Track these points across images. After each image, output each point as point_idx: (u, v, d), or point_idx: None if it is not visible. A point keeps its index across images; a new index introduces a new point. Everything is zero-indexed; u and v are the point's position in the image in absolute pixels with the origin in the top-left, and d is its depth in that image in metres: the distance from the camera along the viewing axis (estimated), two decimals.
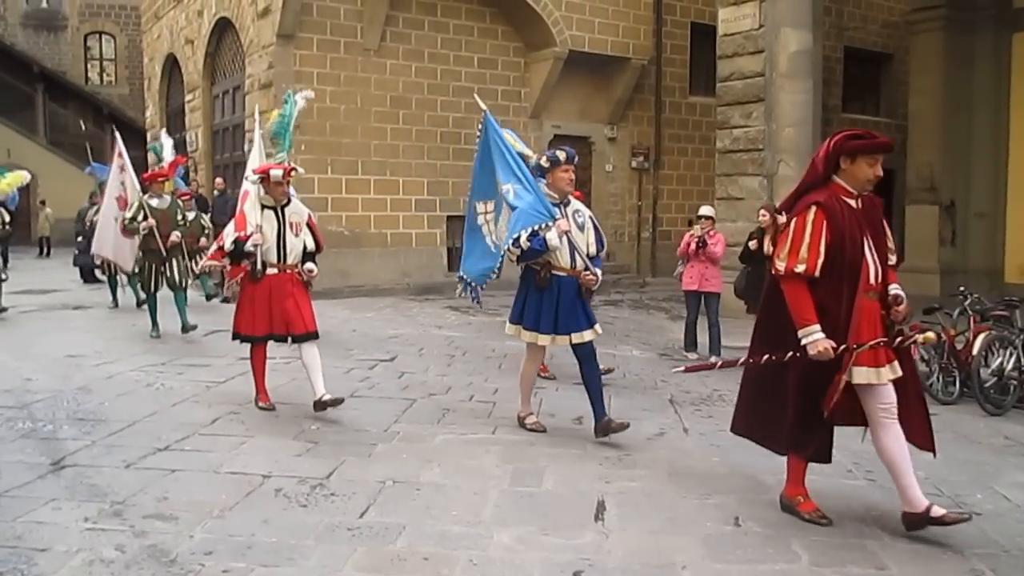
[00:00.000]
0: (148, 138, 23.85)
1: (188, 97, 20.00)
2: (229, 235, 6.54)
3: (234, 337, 6.83)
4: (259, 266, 6.56)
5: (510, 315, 6.31)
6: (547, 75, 17.37)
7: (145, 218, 10.04)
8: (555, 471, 5.39)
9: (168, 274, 10.37)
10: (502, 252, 6.04)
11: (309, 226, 6.83)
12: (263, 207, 6.61)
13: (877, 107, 21.08)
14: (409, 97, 16.27)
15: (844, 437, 6.34)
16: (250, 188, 6.72)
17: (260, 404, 6.82)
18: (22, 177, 12.57)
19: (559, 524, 4.48)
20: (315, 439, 6.01)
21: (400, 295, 15.38)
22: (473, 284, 6.70)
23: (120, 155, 11.35)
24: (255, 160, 6.84)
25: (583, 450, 5.93)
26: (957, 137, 16.20)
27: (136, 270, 12.25)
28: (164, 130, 12.68)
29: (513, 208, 5.99)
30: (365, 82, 15.87)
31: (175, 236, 10.31)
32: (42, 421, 6.32)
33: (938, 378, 7.93)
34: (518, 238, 5.80)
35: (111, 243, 11.23)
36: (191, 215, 11.26)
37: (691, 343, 9.87)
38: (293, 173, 6.63)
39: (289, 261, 6.65)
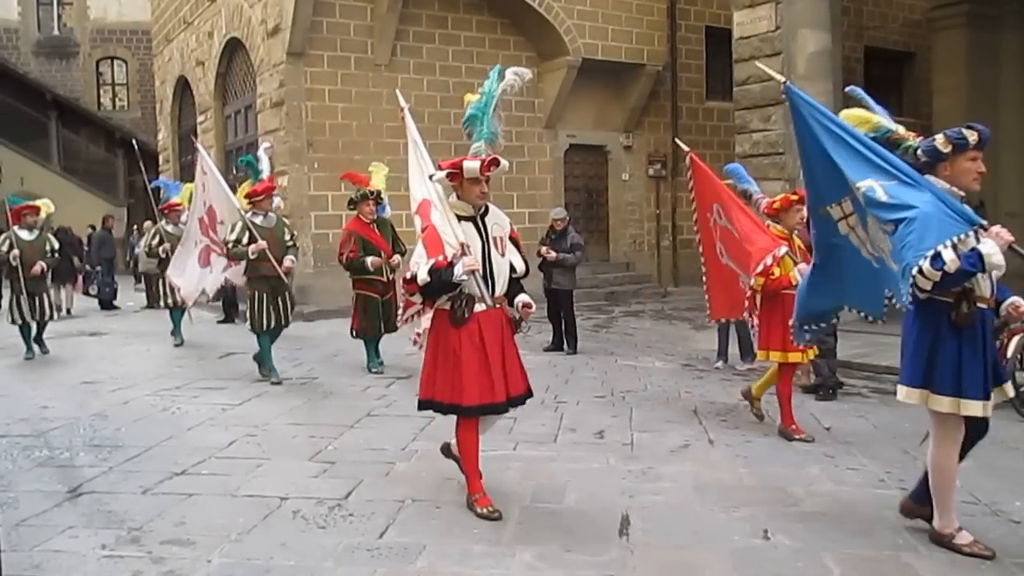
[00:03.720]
0: (160, 160, 24.03)
1: (200, 118, 20.11)
2: (420, 262, 4.64)
3: (425, 406, 4.93)
4: (466, 302, 4.74)
5: (905, 375, 4.31)
6: (561, 84, 17.33)
7: (252, 240, 8.52)
8: (577, 487, 5.29)
9: (280, 310, 8.81)
10: (912, 272, 3.86)
11: (513, 241, 5.03)
12: (458, 218, 4.83)
13: (900, 106, 20.87)
14: (421, 111, 16.19)
15: (872, 444, 6.22)
16: (430, 193, 4.91)
17: (479, 509, 4.79)
18: (49, 206, 11.54)
19: (582, 540, 4.40)
20: (332, 459, 5.94)
21: None
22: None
23: (204, 171, 9.77)
24: (424, 161, 5.20)
25: (605, 464, 5.82)
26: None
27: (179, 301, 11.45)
28: (265, 142, 11.29)
29: (890, 219, 4.01)
30: (376, 97, 15.87)
31: (289, 261, 8.82)
32: (59, 449, 6.28)
33: None
34: (937, 255, 3.81)
35: (185, 270, 10.07)
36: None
37: (720, 352, 9.78)
38: (494, 167, 4.79)
39: (497, 291, 4.88)
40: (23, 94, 29.00)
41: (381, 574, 4.01)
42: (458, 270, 4.55)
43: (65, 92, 30.87)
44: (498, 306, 4.86)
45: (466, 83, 16.66)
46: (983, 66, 15.96)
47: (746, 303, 6.67)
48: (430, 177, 4.88)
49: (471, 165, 4.71)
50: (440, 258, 4.59)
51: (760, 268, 6.33)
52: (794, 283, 6.29)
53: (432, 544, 4.35)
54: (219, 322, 13.60)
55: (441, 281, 4.60)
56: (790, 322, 5.44)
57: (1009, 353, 7.47)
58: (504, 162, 4.82)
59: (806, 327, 5.14)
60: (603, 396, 8.15)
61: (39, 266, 10.64)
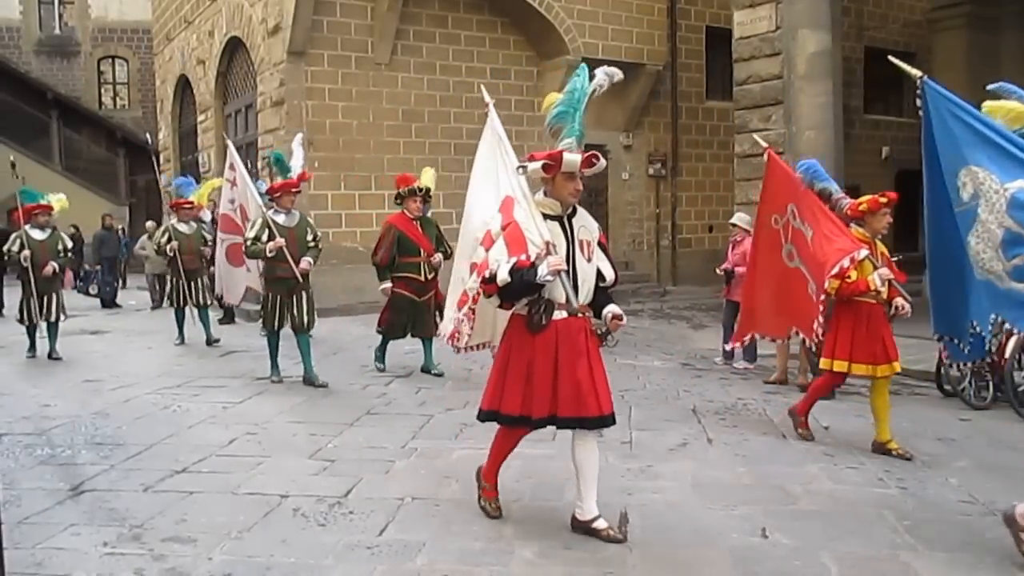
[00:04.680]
0: (160, 160, 24.03)
1: (200, 118, 20.12)
2: (501, 260, 4.23)
3: (489, 417, 4.57)
4: (545, 307, 4.32)
5: None
6: (560, 83, 17.26)
7: (271, 237, 8.25)
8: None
9: (295, 310, 8.51)
10: None
11: (601, 246, 4.62)
12: (544, 216, 4.42)
13: (900, 107, 20.88)
14: (421, 110, 16.27)
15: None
16: (514, 189, 4.56)
17: (482, 500, 4.77)
18: (64, 201, 11.01)
19: (582, 538, 4.42)
20: (332, 457, 5.95)
21: None
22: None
23: (232, 167, 9.57)
24: (509, 157, 4.86)
25: (604, 462, 5.76)
26: None
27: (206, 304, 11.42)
28: (301, 133, 10.35)
29: None
30: (377, 96, 15.89)
31: (306, 262, 8.45)
32: (60, 447, 6.30)
33: (970, 382, 7.76)
34: None
35: (220, 270, 9.91)
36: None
37: (723, 349, 9.83)
38: (595, 163, 4.52)
39: (582, 300, 4.42)
40: (24, 93, 28.95)
41: (381, 571, 4.02)
42: (542, 270, 4.15)
43: (66, 91, 30.83)
44: (581, 315, 4.40)
45: (466, 82, 16.74)
46: (983, 66, 15.96)
47: (820, 306, 6.13)
48: (519, 168, 4.56)
49: (572, 158, 4.36)
50: (522, 257, 4.18)
51: (836, 270, 5.90)
52: (872, 288, 5.94)
53: (432, 541, 4.36)
54: (220, 321, 13.59)
55: (523, 282, 4.19)
56: (933, 336, 5.11)
57: (1007, 354, 7.50)
58: (603, 161, 4.54)
59: (955, 341, 4.91)
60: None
61: (51, 267, 10.29)
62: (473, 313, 4.67)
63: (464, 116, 16.73)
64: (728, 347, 7.94)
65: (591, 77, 4.63)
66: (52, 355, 10.51)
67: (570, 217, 4.46)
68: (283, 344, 8.74)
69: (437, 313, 8.75)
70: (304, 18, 14.88)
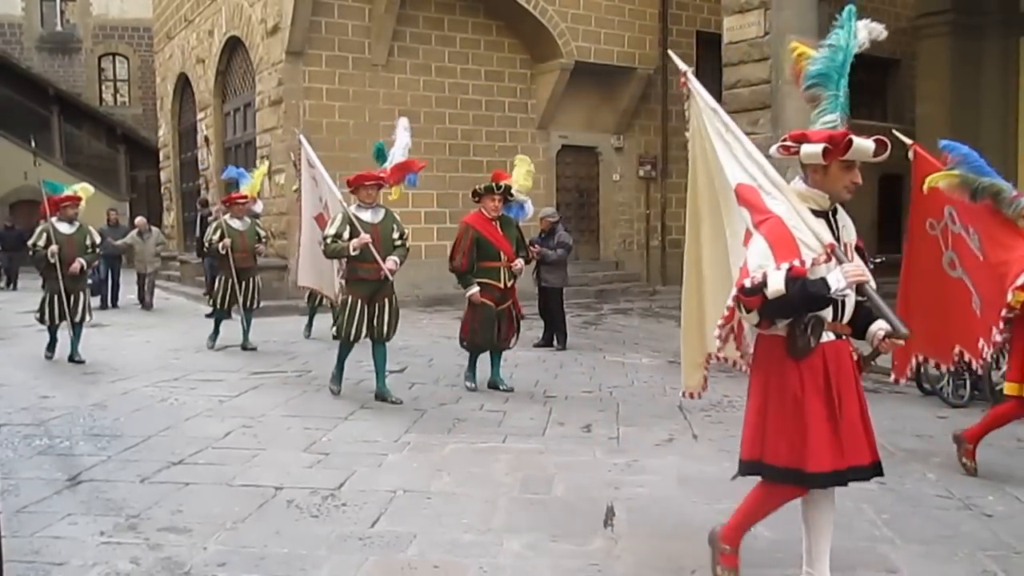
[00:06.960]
0: (161, 157, 24.06)
1: (200, 115, 20.20)
2: (768, 267, 3.26)
3: (752, 469, 3.62)
4: (814, 326, 3.39)
5: None
6: (553, 86, 17.47)
7: (354, 234, 7.42)
8: (564, 478, 5.40)
9: (376, 318, 7.63)
10: None
11: (859, 251, 3.64)
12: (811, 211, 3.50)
13: (884, 112, 21.03)
14: (417, 111, 16.35)
15: None
16: (753, 176, 3.67)
17: (719, 569, 3.86)
18: (89, 190, 10.25)
19: (569, 531, 4.49)
20: (326, 450, 6.04)
21: (410, 306, 15.32)
22: None
23: (311, 164, 8.88)
24: (735, 134, 4.03)
25: (592, 457, 5.93)
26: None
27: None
28: (404, 118, 9.14)
29: None
30: (373, 97, 16.00)
31: (393, 262, 7.55)
32: (59, 437, 6.37)
33: (948, 381, 7.86)
34: None
35: (315, 270, 9.00)
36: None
37: None
38: (884, 152, 3.48)
39: (847, 318, 3.52)
40: (26, 89, 29.00)
41: (372, 562, 4.08)
42: (836, 281, 3.28)
43: (67, 87, 30.87)
44: (845, 338, 3.55)
45: (461, 84, 16.88)
46: (966, 73, 16.14)
47: (1000, 323, 5.18)
48: (786, 149, 3.62)
49: (864, 145, 3.40)
50: (796, 263, 3.24)
51: (1021, 281, 5.00)
52: None
53: (422, 533, 4.43)
54: (208, 316, 13.64)
55: (806, 295, 3.27)
56: None
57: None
58: (889, 147, 3.50)
59: None
60: (591, 391, 8.27)
61: (78, 263, 9.53)
62: (734, 332, 3.85)
63: (459, 117, 16.86)
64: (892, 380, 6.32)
65: (859, 30, 3.70)
66: (74, 358, 9.80)
67: (834, 214, 3.57)
68: (283, 342, 8.70)
69: (518, 324, 8.27)
70: (303, 19, 14.99)
